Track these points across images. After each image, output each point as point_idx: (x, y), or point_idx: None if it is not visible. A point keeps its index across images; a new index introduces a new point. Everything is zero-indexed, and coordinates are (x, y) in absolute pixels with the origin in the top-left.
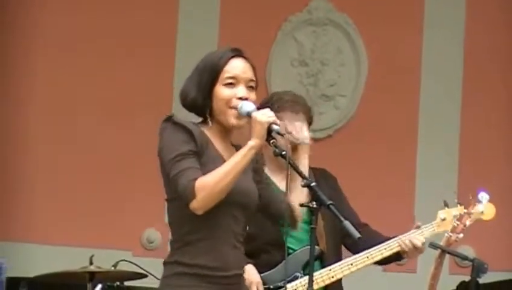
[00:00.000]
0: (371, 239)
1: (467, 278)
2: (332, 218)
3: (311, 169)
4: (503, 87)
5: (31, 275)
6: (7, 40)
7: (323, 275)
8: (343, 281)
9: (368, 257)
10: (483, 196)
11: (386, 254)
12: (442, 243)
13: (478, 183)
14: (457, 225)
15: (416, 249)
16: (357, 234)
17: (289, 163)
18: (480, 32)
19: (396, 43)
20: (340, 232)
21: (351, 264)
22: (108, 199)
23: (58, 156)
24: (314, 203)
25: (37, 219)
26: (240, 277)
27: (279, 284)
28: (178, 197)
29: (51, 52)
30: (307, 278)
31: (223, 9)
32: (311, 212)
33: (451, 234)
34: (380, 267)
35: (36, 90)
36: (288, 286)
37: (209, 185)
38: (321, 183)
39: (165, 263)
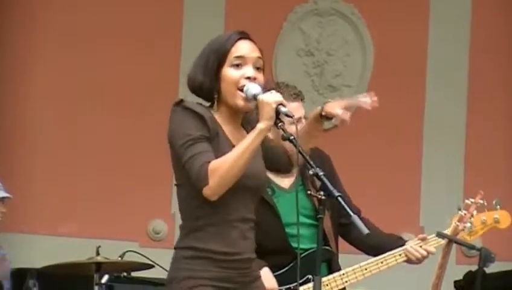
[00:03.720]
0: (373, 235)
1: (474, 269)
2: (333, 212)
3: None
4: (509, 80)
5: (39, 266)
6: (10, 29)
7: (337, 280)
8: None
9: (382, 262)
10: (497, 203)
11: (400, 260)
12: (449, 232)
13: (485, 175)
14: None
15: (423, 258)
16: (366, 230)
17: (298, 150)
18: (486, 23)
19: (402, 33)
20: (340, 218)
21: (365, 269)
22: (114, 190)
23: (65, 148)
24: (322, 193)
25: (45, 210)
26: (251, 261)
27: (291, 286)
28: (189, 183)
29: (55, 40)
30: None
31: None
32: (319, 202)
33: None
34: None
35: (39, 79)
36: (300, 288)
37: (221, 171)
38: (317, 165)
39: (176, 248)
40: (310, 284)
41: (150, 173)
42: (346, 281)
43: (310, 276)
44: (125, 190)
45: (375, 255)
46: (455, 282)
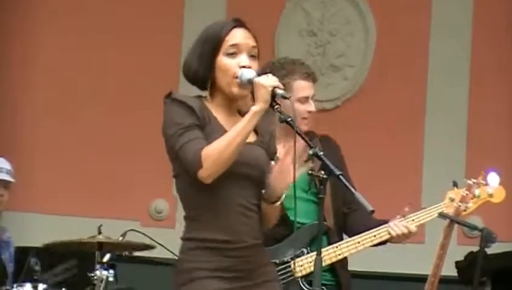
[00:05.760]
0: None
1: (475, 249)
2: (336, 192)
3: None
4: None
5: (41, 244)
6: (11, 18)
7: (330, 253)
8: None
9: (375, 235)
10: (494, 178)
11: (392, 233)
12: (451, 213)
13: (487, 153)
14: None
15: (406, 236)
16: (370, 207)
17: (295, 130)
18: (489, 0)
19: (405, 13)
20: (342, 206)
21: (358, 243)
22: (117, 169)
23: (67, 127)
24: (322, 172)
25: (47, 189)
26: (255, 247)
27: (285, 259)
28: (185, 171)
29: (56, 25)
30: (313, 254)
31: None
32: (320, 182)
33: (460, 203)
34: None
35: (41, 61)
36: (294, 262)
37: (215, 152)
38: (325, 151)
39: (181, 239)
40: (303, 257)
41: (152, 153)
42: (339, 254)
43: (304, 249)
44: (127, 170)
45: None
46: (456, 263)
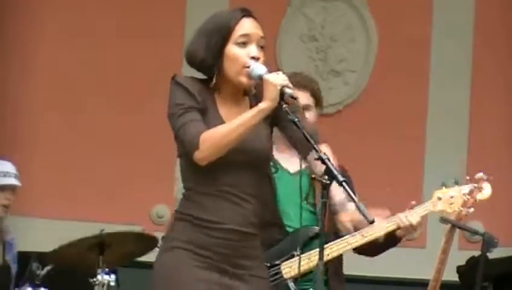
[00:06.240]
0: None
1: (476, 254)
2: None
3: None
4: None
5: (42, 249)
6: (11, 17)
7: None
8: (352, 258)
9: (362, 235)
10: (481, 177)
11: (381, 232)
12: (452, 217)
13: (488, 156)
14: (468, 199)
15: (412, 228)
16: (371, 217)
17: (302, 131)
18: (490, 5)
19: (406, 19)
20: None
21: (347, 243)
22: (118, 175)
23: (68, 132)
24: (326, 177)
25: (48, 194)
26: (242, 235)
27: (275, 262)
28: (184, 151)
29: (56, 25)
30: (303, 256)
31: None
32: (323, 187)
33: (461, 208)
34: None
35: (43, 61)
36: (283, 264)
37: (214, 137)
38: None
39: (174, 210)
40: (292, 260)
41: (153, 158)
42: (328, 254)
43: (294, 252)
44: (129, 175)
45: (370, 253)
46: (458, 267)
